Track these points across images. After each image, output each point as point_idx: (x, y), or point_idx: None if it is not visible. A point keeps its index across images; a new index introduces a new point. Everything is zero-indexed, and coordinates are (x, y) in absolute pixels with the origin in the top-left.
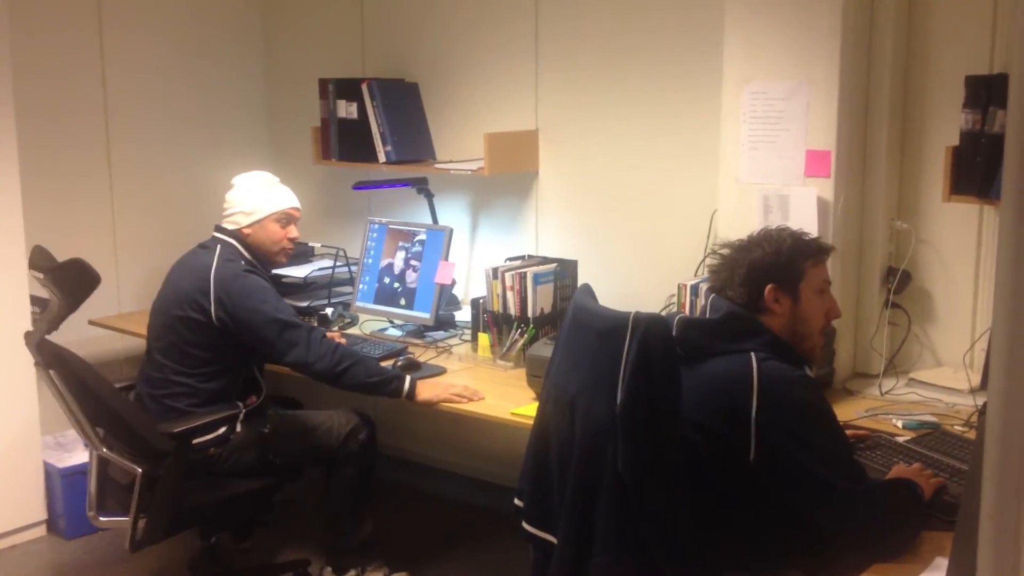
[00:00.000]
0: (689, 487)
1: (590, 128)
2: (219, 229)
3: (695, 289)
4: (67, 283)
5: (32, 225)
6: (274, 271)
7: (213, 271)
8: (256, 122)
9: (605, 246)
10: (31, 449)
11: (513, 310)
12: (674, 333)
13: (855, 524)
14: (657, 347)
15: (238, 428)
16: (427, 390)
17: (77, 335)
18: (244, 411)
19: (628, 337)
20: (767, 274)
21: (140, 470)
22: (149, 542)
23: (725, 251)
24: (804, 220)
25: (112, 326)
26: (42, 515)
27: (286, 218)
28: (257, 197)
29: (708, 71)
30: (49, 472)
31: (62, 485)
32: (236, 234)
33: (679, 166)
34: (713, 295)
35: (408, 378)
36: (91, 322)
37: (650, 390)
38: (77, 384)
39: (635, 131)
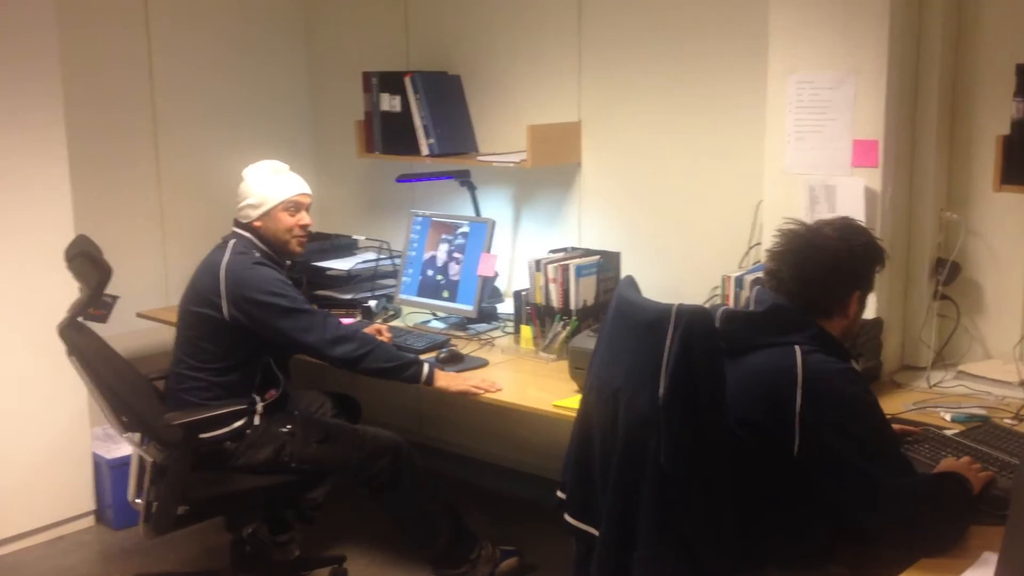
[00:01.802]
0: (732, 482)
1: (633, 119)
2: (235, 223)
3: (740, 281)
4: (83, 273)
5: (81, 220)
6: (317, 263)
7: (224, 266)
8: (300, 115)
9: (648, 238)
10: (80, 440)
11: (556, 302)
12: (717, 325)
13: (900, 518)
14: (700, 339)
15: (256, 423)
16: (445, 379)
17: (126, 328)
18: (263, 406)
19: (671, 329)
20: (855, 279)
21: (150, 458)
22: (160, 530)
23: (798, 229)
24: (851, 211)
25: (159, 318)
26: (91, 506)
27: (294, 206)
28: (263, 188)
29: (753, 61)
30: (98, 463)
31: (111, 476)
32: (249, 227)
33: (723, 157)
34: (758, 287)
35: (427, 364)
36: (139, 315)
37: (692, 383)
38: (93, 372)
39: (679, 122)
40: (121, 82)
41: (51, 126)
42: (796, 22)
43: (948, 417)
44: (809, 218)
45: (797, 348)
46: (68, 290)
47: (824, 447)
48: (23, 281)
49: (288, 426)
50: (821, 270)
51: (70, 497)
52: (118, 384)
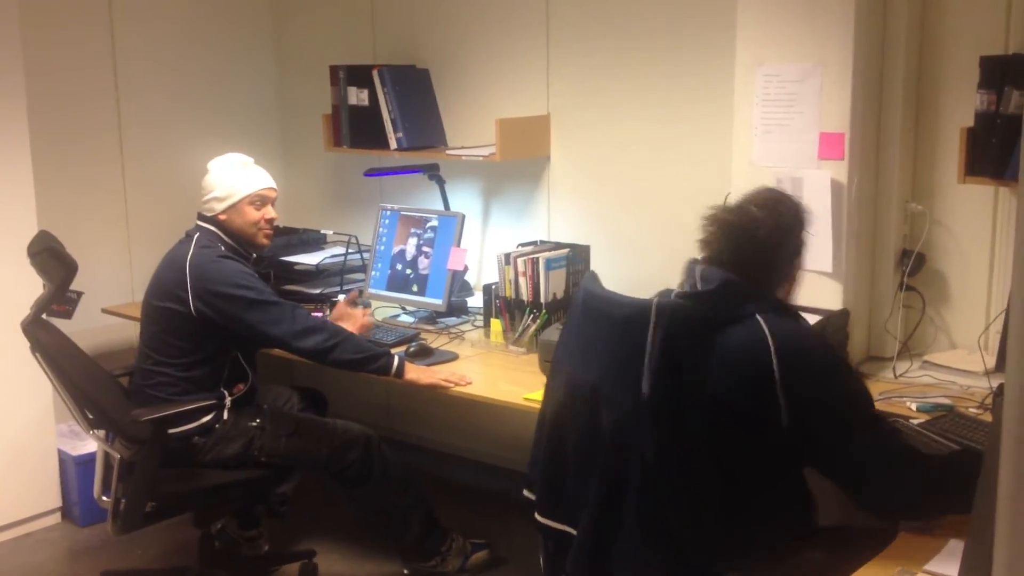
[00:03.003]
0: (718, 473)
1: (602, 113)
2: (199, 216)
3: None
4: (48, 269)
5: (45, 216)
6: (285, 257)
7: (188, 260)
8: (267, 109)
9: (618, 231)
10: (46, 437)
11: (526, 296)
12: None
13: (890, 473)
14: (684, 335)
15: (225, 417)
16: (415, 371)
17: (91, 324)
18: (231, 401)
19: (652, 325)
20: (792, 249)
21: (118, 455)
22: (128, 527)
23: (727, 216)
24: (818, 203)
25: (125, 314)
26: (57, 503)
27: (260, 200)
28: (229, 181)
29: (721, 54)
30: (63, 460)
31: (76, 473)
32: (214, 220)
33: (692, 150)
34: (700, 267)
35: (397, 356)
36: (104, 310)
37: (676, 377)
38: (58, 368)
39: (647, 115)
40: (84, 76)
41: (13, 122)
42: (763, 14)
43: (914, 407)
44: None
45: (759, 318)
46: (31, 287)
47: (813, 409)
48: None
49: (257, 420)
50: (759, 252)
51: (36, 494)
52: (83, 381)
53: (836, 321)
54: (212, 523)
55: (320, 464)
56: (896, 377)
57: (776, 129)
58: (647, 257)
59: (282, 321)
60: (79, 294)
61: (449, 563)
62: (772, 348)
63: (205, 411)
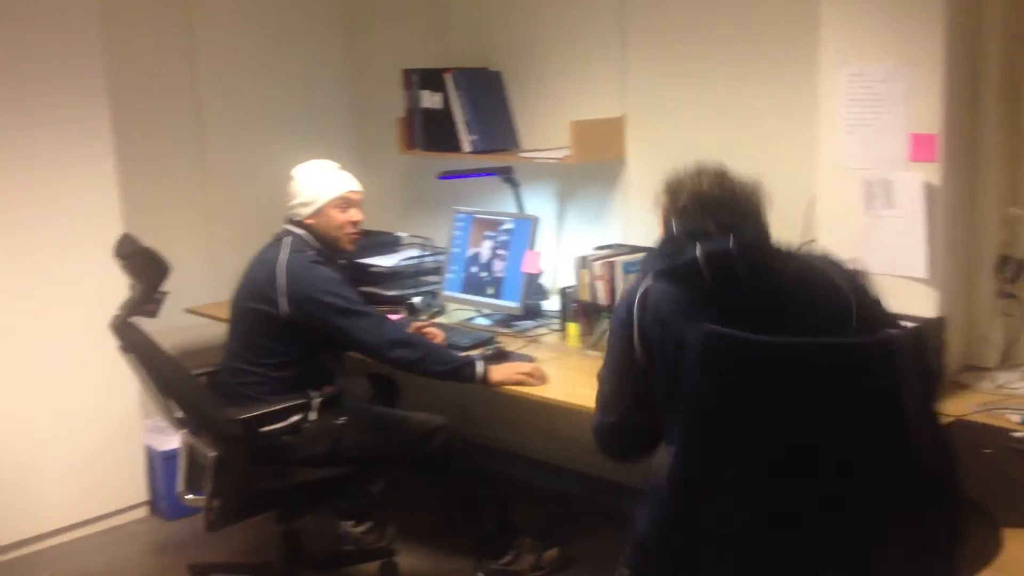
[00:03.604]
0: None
1: (678, 113)
2: (288, 221)
3: None
4: (140, 271)
5: (129, 217)
6: (361, 260)
7: (281, 263)
8: (341, 112)
9: None
10: (133, 432)
11: (602, 299)
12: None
13: None
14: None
15: (311, 417)
16: (499, 372)
17: (174, 322)
18: (319, 401)
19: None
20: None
21: (212, 453)
22: (222, 523)
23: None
24: (910, 206)
25: (206, 314)
26: (144, 496)
27: (345, 203)
28: (314, 186)
29: (803, 53)
30: (151, 454)
31: (163, 467)
32: (302, 224)
33: (773, 151)
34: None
35: (479, 362)
36: (187, 310)
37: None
38: (151, 368)
39: (725, 116)
40: (166, 81)
41: (97, 127)
42: (848, 13)
43: (1016, 419)
44: (866, 214)
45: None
46: (117, 286)
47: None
48: (74, 277)
49: (343, 418)
50: (749, 210)
51: (124, 488)
52: (176, 380)
53: (931, 329)
54: (297, 519)
55: (404, 456)
56: (996, 388)
57: (862, 130)
58: None
59: (371, 330)
60: (164, 294)
61: (522, 560)
62: (845, 272)
63: (293, 411)
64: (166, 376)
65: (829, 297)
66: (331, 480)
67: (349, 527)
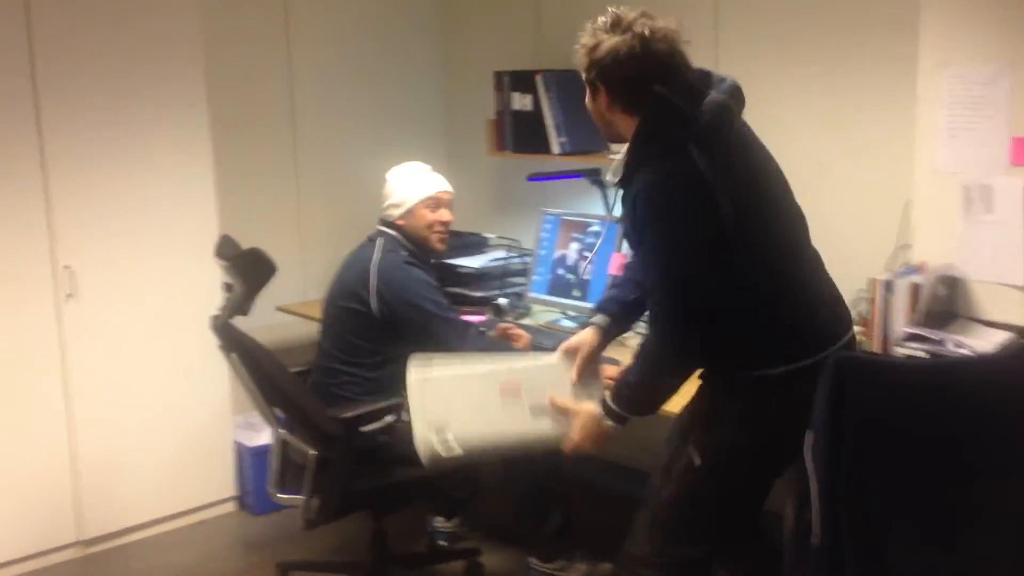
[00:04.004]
0: None
1: (769, 115)
2: (381, 222)
3: (889, 285)
4: (246, 271)
5: (225, 216)
6: (448, 260)
7: (375, 264)
8: (433, 114)
9: None
10: (223, 428)
11: None
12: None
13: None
14: None
15: (404, 417)
16: None
17: (266, 321)
18: None
19: None
20: None
21: (313, 452)
22: (321, 521)
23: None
24: (1010, 211)
25: (297, 312)
26: (232, 491)
27: (435, 203)
28: (405, 187)
29: (901, 55)
30: (239, 450)
31: (252, 463)
32: (393, 225)
33: (867, 154)
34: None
35: None
36: (278, 308)
37: None
38: (255, 367)
39: (819, 118)
40: (262, 84)
41: (197, 129)
42: (948, 14)
43: None
44: (965, 220)
45: None
46: (208, 285)
47: None
48: (170, 276)
49: None
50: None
51: (213, 483)
52: (279, 379)
53: None
54: (388, 517)
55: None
56: None
57: (962, 134)
58: None
59: (453, 338)
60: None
61: (572, 570)
62: None
63: (387, 411)
64: (268, 375)
65: None
66: (425, 478)
67: (438, 523)
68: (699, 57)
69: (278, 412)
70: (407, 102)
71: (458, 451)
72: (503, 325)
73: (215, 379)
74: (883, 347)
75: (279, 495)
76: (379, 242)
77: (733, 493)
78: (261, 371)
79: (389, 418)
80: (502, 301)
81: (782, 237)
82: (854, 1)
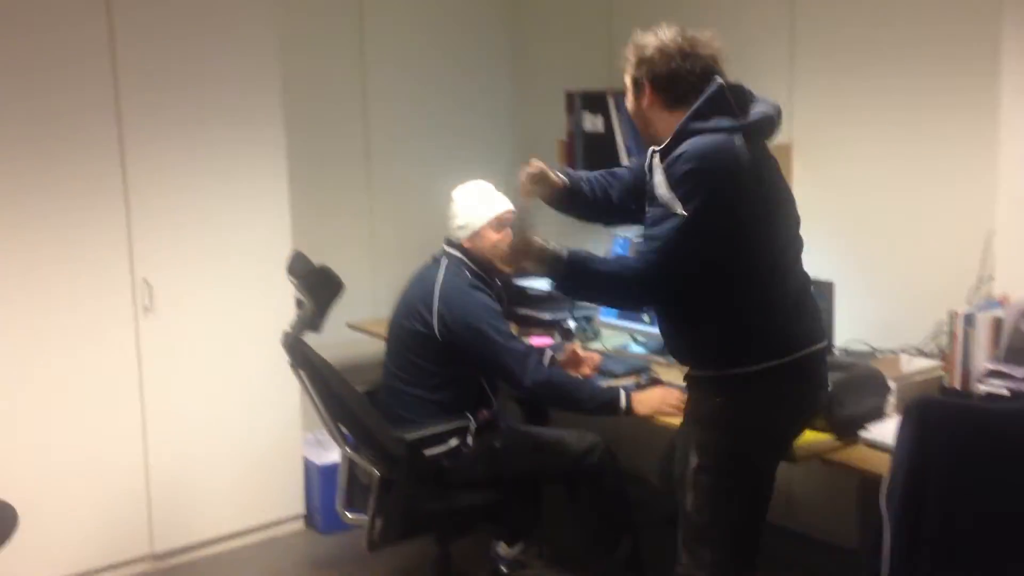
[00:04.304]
0: None
1: (848, 142)
2: (447, 242)
3: (970, 319)
4: (316, 289)
5: (298, 234)
6: (518, 282)
7: (438, 284)
8: (503, 134)
9: (864, 267)
10: (292, 445)
11: None
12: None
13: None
14: None
15: (469, 441)
16: (644, 404)
17: (337, 338)
18: (476, 425)
19: None
20: None
21: (378, 473)
22: (384, 543)
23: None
24: None
25: (368, 330)
26: (301, 509)
27: (500, 223)
28: (471, 208)
29: (982, 82)
30: (308, 468)
31: (320, 481)
32: (459, 246)
33: (948, 183)
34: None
35: (623, 393)
36: (349, 325)
37: None
38: (322, 385)
39: (898, 145)
40: (335, 100)
41: (273, 149)
42: None
43: None
44: None
45: None
46: (281, 302)
47: None
48: (244, 292)
49: (498, 441)
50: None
51: (282, 500)
52: (347, 398)
53: None
54: (453, 542)
55: (562, 475)
56: None
57: None
58: (895, 297)
59: (517, 363)
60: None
61: None
62: None
63: (452, 434)
64: (336, 393)
65: None
66: (491, 504)
67: (501, 549)
68: (775, 86)
69: (344, 431)
70: (479, 121)
71: None
72: (573, 348)
73: (285, 396)
74: (963, 382)
75: (346, 514)
76: (443, 262)
77: (740, 486)
78: (328, 389)
79: (453, 441)
80: (571, 324)
81: (779, 246)
82: (934, 29)
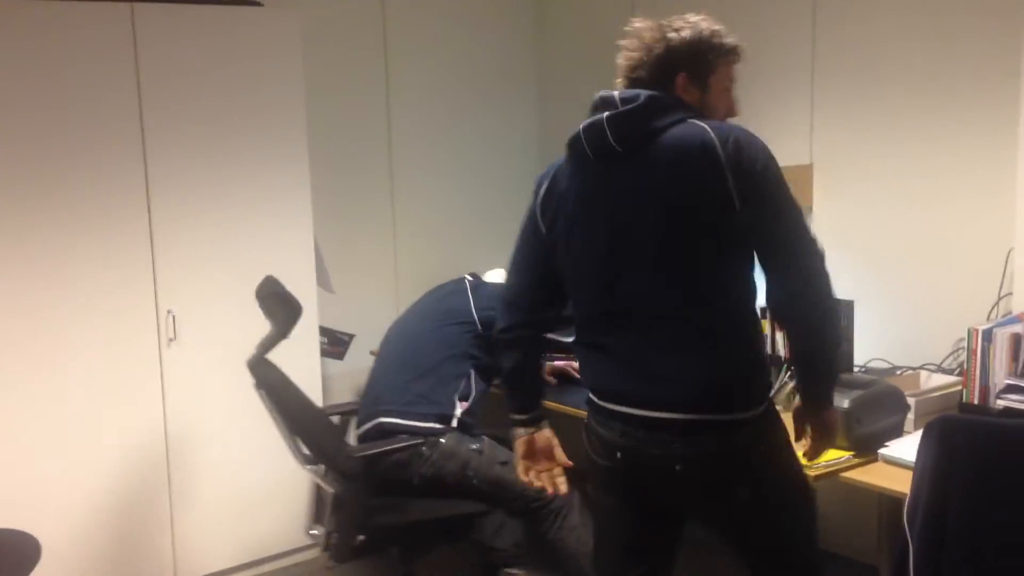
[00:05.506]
0: None
1: (869, 161)
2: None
3: (989, 335)
4: (274, 311)
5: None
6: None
7: (469, 284)
8: (529, 152)
9: (883, 286)
10: (302, 474)
11: (783, 352)
12: (610, 136)
13: (819, 271)
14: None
15: (445, 440)
16: None
17: (361, 364)
18: (458, 421)
19: None
20: (681, 62)
21: (332, 490)
22: (340, 558)
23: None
24: None
25: None
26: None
27: None
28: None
29: (1002, 100)
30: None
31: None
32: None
33: (968, 201)
34: (620, 90)
35: None
36: (373, 353)
37: None
38: (280, 404)
39: (918, 164)
40: (359, 126)
41: (297, 179)
42: None
43: None
44: None
45: (692, 120)
46: (306, 329)
47: (759, 192)
48: (266, 323)
49: (476, 445)
50: (659, 50)
51: (300, 527)
52: (304, 417)
53: None
54: (418, 559)
55: (523, 498)
56: None
57: None
58: (915, 315)
59: None
60: (351, 336)
61: None
62: (715, 139)
63: (434, 419)
64: (293, 412)
65: (701, 172)
66: (448, 517)
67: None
68: (795, 105)
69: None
70: (504, 150)
71: None
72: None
73: None
74: (982, 398)
75: (311, 532)
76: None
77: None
78: (286, 408)
79: (436, 425)
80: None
81: None
82: (955, 47)
